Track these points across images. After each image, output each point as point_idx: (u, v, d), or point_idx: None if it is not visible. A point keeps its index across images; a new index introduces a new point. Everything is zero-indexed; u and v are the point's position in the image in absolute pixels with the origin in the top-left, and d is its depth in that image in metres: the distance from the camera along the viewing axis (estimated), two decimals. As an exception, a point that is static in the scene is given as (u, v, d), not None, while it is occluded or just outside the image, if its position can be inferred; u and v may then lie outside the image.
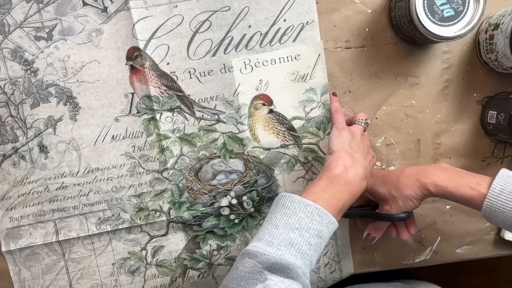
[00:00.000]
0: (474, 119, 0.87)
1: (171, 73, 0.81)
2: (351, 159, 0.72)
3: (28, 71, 0.79)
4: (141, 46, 0.80)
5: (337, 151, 0.73)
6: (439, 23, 0.74)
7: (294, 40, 0.82)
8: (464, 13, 0.74)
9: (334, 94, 0.84)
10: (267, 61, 0.82)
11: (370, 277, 0.93)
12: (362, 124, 0.81)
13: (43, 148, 0.82)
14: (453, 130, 0.87)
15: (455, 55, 0.85)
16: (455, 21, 0.74)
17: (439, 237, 0.90)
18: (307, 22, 0.82)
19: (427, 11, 0.74)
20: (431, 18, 0.74)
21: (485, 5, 0.73)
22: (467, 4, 0.74)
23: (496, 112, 0.82)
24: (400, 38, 0.84)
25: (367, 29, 0.84)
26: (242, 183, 0.87)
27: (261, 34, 0.82)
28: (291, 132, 0.85)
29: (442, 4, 0.74)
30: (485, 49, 0.82)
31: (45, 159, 0.83)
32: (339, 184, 0.69)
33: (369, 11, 0.83)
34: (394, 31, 0.84)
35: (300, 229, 0.63)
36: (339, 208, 0.68)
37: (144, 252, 0.87)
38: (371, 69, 0.85)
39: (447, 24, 0.74)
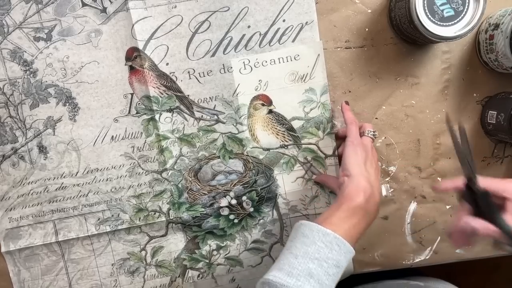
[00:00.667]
0: (474, 119, 0.87)
1: (170, 73, 0.81)
2: (370, 187, 0.71)
3: (28, 72, 0.79)
4: (141, 47, 0.79)
5: (355, 176, 0.72)
6: (439, 23, 0.74)
7: (293, 41, 0.82)
8: (464, 13, 0.74)
9: (346, 103, 0.84)
10: (266, 61, 0.82)
11: (371, 277, 0.93)
12: (371, 136, 0.80)
13: (42, 149, 0.82)
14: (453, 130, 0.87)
15: (455, 55, 0.85)
16: (455, 21, 0.74)
17: (439, 237, 0.89)
18: (306, 22, 0.81)
19: (427, 11, 0.73)
20: (431, 18, 0.74)
21: (485, 5, 0.73)
22: (467, 4, 0.74)
23: (496, 112, 0.82)
24: (400, 38, 0.84)
25: (367, 29, 0.83)
26: (241, 183, 0.86)
27: (260, 34, 0.81)
28: (290, 132, 0.85)
29: (442, 4, 0.73)
30: (485, 49, 0.82)
31: (45, 159, 0.82)
32: (359, 215, 0.69)
33: (369, 11, 0.83)
34: (394, 31, 0.84)
35: (319, 259, 0.64)
36: (356, 238, 0.69)
37: (143, 253, 0.87)
38: (371, 69, 0.84)
39: (447, 24, 0.74)
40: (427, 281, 0.88)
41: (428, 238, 0.90)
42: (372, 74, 0.85)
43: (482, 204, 0.67)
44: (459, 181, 0.71)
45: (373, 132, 0.81)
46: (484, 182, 0.68)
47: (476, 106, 0.87)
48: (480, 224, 0.66)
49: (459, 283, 0.86)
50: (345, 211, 0.69)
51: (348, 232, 0.67)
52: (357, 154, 0.75)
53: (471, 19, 0.74)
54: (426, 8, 0.73)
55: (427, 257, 0.90)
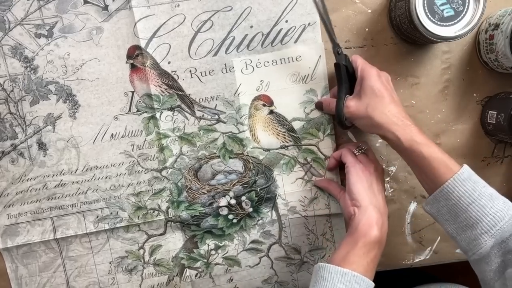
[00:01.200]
0: (474, 119, 0.87)
1: (172, 72, 0.80)
2: (381, 216, 0.72)
3: (28, 68, 0.78)
4: (143, 45, 0.79)
5: (366, 207, 0.72)
6: (439, 23, 0.74)
7: (295, 41, 0.81)
8: (464, 13, 0.74)
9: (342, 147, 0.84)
10: (268, 62, 0.81)
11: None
12: (363, 151, 0.80)
13: (42, 146, 0.81)
14: (453, 130, 0.87)
15: (455, 55, 0.85)
16: (455, 21, 0.74)
17: (439, 237, 0.89)
18: (309, 23, 0.81)
19: (427, 11, 0.73)
20: (431, 18, 0.73)
21: (485, 5, 0.73)
22: (467, 4, 0.73)
23: (496, 112, 0.82)
24: (400, 38, 0.84)
25: (367, 29, 0.83)
26: (241, 183, 0.86)
27: (262, 34, 0.81)
28: (291, 133, 0.84)
29: (442, 4, 0.73)
30: (485, 49, 0.81)
31: (44, 156, 0.81)
32: (375, 249, 0.70)
33: (369, 11, 0.83)
34: (394, 31, 0.83)
35: None
36: (374, 269, 0.69)
37: (141, 251, 0.86)
38: (371, 69, 0.84)
39: (447, 24, 0.74)
40: (444, 286, 0.88)
41: (428, 238, 0.90)
42: (373, 74, 0.84)
43: (338, 74, 0.77)
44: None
45: (361, 147, 0.80)
46: (355, 57, 0.77)
47: (476, 106, 0.86)
48: (325, 100, 0.81)
49: (459, 283, 0.85)
50: (362, 248, 0.69)
51: (367, 267, 0.68)
52: (361, 179, 0.75)
53: (471, 19, 0.74)
54: (426, 8, 0.73)
55: (427, 257, 0.90)
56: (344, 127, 0.79)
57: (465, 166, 0.68)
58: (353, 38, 0.83)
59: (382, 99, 0.72)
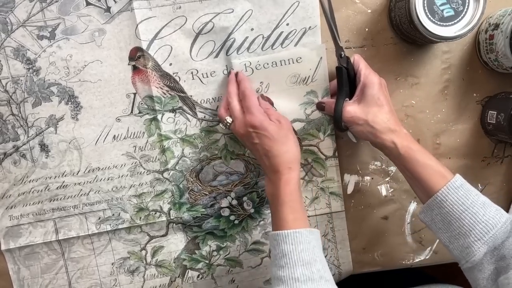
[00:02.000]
0: (474, 119, 0.87)
1: (173, 73, 0.80)
2: None
3: (30, 70, 0.77)
4: (144, 47, 0.78)
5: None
6: (439, 23, 0.73)
7: (295, 45, 0.81)
8: (464, 13, 0.73)
9: None
10: (268, 64, 0.81)
11: (372, 277, 0.92)
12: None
13: (44, 147, 0.80)
14: (453, 130, 0.87)
15: (455, 55, 0.84)
16: (455, 21, 0.74)
17: (439, 237, 0.89)
18: (310, 27, 0.80)
19: (427, 11, 0.73)
20: (431, 18, 0.73)
21: (485, 5, 0.73)
22: (467, 4, 0.73)
23: (496, 112, 0.81)
24: (400, 38, 0.83)
25: (367, 29, 0.83)
26: (242, 184, 0.85)
27: (263, 37, 0.80)
28: (291, 135, 0.84)
29: (442, 4, 0.73)
30: (485, 49, 0.81)
31: (46, 158, 0.81)
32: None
33: (369, 11, 0.82)
34: (394, 31, 0.83)
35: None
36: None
37: (143, 252, 0.86)
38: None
39: (447, 24, 0.74)
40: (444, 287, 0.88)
41: (428, 238, 0.89)
42: (373, 74, 0.84)
43: (339, 78, 0.77)
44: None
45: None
46: (357, 59, 0.77)
47: (476, 106, 0.86)
48: (327, 102, 0.80)
49: (459, 283, 0.85)
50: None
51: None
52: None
53: (471, 19, 0.73)
54: (426, 8, 0.73)
55: (427, 257, 0.90)
56: (340, 130, 0.78)
57: (458, 175, 0.68)
58: (353, 38, 0.83)
59: (381, 108, 0.73)
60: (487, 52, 0.81)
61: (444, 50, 0.84)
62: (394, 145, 0.71)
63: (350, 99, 0.77)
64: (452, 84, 0.85)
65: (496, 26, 0.77)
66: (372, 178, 0.88)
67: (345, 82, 0.76)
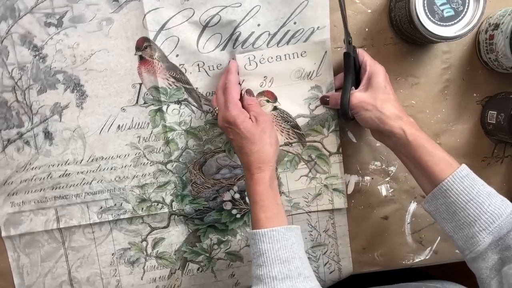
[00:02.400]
0: (474, 119, 0.86)
1: (180, 65, 0.79)
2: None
3: (37, 57, 0.77)
4: (151, 37, 0.78)
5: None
6: (439, 23, 0.73)
7: (303, 43, 0.80)
8: (464, 13, 0.73)
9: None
10: (272, 58, 0.80)
11: (370, 277, 0.91)
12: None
13: (48, 135, 0.80)
14: (453, 130, 0.86)
15: (455, 55, 0.84)
16: (455, 21, 0.73)
17: (439, 237, 0.88)
18: (318, 27, 0.79)
19: (427, 11, 0.72)
20: (431, 18, 0.73)
21: (485, 5, 0.72)
22: (467, 4, 0.73)
23: (496, 112, 0.81)
24: (400, 38, 0.83)
25: (367, 29, 0.82)
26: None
27: (269, 34, 0.79)
28: (295, 130, 0.83)
29: (442, 4, 0.72)
30: (485, 49, 0.81)
31: (50, 145, 0.80)
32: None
33: (369, 11, 0.82)
34: (394, 31, 0.82)
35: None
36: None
37: (144, 243, 0.85)
38: (371, 69, 0.83)
39: (447, 24, 0.73)
40: (443, 284, 0.87)
41: (428, 238, 0.88)
42: (373, 74, 0.83)
43: (346, 64, 0.76)
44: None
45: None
46: (361, 52, 0.77)
47: (476, 106, 0.86)
48: (332, 95, 0.80)
49: (459, 283, 0.85)
50: None
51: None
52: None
53: (471, 19, 0.73)
54: (426, 8, 0.72)
55: (427, 257, 0.89)
56: (347, 119, 0.77)
57: (464, 165, 0.68)
58: (353, 38, 0.81)
59: (388, 96, 0.73)
60: (487, 52, 0.80)
61: (444, 50, 0.84)
62: (403, 131, 0.70)
63: (356, 89, 0.76)
64: (452, 84, 0.85)
65: (496, 26, 0.77)
66: (372, 178, 0.87)
67: (352, 69, 0.76)
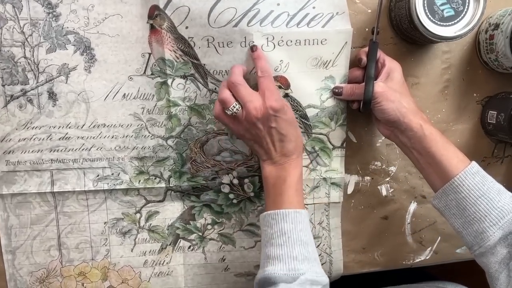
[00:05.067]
0: (474, 119, 0.85)
1: (188, 38, 0.75)
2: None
3: (50, 15, 0.74)
4: (161, 5, 0.73)
5: None
6: (439, 23, 0.72)
7: (323, 26, 0.75)
8: (464, 13, 0.72)
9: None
10: (291, 41, 0.75)
11: (371, 277, 0.89)
12: None
13: (52, 95, 0.76)
14: (453, 130, 0.85)
15: (455, 55, 0.83)
16: (455, 21, 0.72)
17: (439, 237, 0.87)
18: (337, 13, 0.75)
19: (427, 11, 0.71)
20: (431, 18, 0.71)
21: (485, 5, 0.71)
22: (467, 4, 0.72)
23: (496, 112, 0.80)
24: (400, 38, 0.81)
25: (367, 29, 0.80)
26: (246, 165, 0.81)
27: (288, 15, 0.74)
28: (303, 120, 0.79)
29: (442, 4, 0.71)
30: (485, 49, 0.80)
31: (53, 106, 0.76)
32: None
33: (369, 11, 0.79)
34: (394, 31, 0.81)
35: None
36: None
37: (138, 215, 0.81)
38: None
39: (447, 24, 0.72)
40: (444, 284, 0.86)
41: (428, 238, 0.87)
42: (372, 74, 0.81)
43: (372, 54, 0.74)
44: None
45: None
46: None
47: (476, 106, 0.84)
48: (346, 86, 0.77)
49: (459, 283, 0.83)
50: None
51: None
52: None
53: (471, 19, 0.72)
54: (426, 8, 0.71)
55: (427, 257, 0.88)
56: (367, 107, 0.72)
57: (474, 162, 0.68)
58: (353, 38, 0.78)
59: (407, 91, 0.75)
60: (487, 52, 0.79)
61: (444, 50, 0.82)
62: (420, 126, 0.70)
63: None
64: (452, 84, 0.83)
65: (496, 26, 0.76)
66: (372, 178, 0.85)
67: (375, 58, 0.75)
